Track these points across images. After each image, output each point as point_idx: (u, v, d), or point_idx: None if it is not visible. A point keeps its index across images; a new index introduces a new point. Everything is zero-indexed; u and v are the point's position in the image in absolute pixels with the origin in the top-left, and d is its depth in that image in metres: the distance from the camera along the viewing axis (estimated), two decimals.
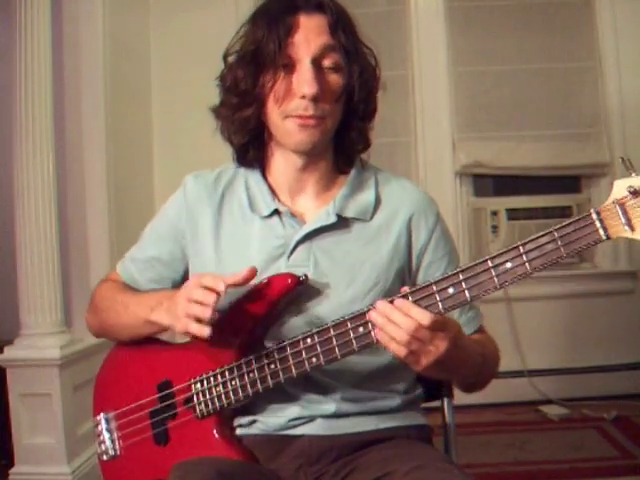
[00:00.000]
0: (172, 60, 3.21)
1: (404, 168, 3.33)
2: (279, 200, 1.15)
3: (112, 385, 1.23)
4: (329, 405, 1.10)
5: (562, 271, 3.24)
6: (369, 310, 0.96)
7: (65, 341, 2.32)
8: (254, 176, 1.17)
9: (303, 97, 1.05)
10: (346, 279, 1.10)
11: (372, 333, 0.97)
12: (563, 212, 3.27)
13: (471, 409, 2.86)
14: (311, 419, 1.10)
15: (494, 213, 3.31)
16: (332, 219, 1.11)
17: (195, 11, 3.20)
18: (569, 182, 3.42)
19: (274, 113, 1.08)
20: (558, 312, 3.30)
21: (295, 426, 1.11)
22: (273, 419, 1.11)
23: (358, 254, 1.11)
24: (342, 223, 1.12)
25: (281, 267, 1.10)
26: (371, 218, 1.14)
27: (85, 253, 2.65)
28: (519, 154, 3.32)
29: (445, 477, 0.96)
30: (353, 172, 1.17)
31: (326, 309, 1.08)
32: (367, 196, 1.15)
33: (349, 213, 1.12)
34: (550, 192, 3.35)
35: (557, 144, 3.33)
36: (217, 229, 1.16)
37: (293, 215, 1.13)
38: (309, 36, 1.05)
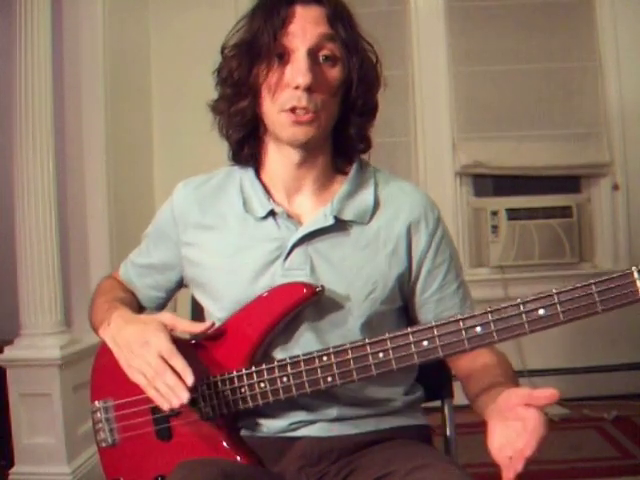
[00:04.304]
0: (172, 60, 3.21)
1: (404, 168, 3.33)
2: (274, 200, 1.11)
3: (112, 372, 1.18)
4: (331, 409, 1.09)
5: (562, 271, 3.24)
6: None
7: (65, 341, 2.33)
8: (248, 176, 1.14)
9: (297, 88, 1.02)
10: (343, 284, 1.07)
11: (392, 358, 0.96)
12: (563, 212, 3.27)
13: (471, 409, 2.86)
14: (312, 422, 1.10)
15: (494, 213, 3.30)
16: (330, 221, 1.08)
17: (195, 11, 3.20)
18: (569, 182, 3.41)
19: (268, 105, 1.06)
20: None
21: (296, 429, 1.10)
22: (275, 422, 1.11)
23: (355, 258, 1.08)
24: (340, 225, 1.09)
25: (277, 271, 1.07)
26: (369, 221, 1.10)
27: (85, 253, 2.64)
28: (519, 154, 3.31)
29: (445, 477, 0.96)
30: (352, 172, 1.13)
31: (323, 314, 1.07)
32: (366, 198, 1.11)
33: (347, 215, 1.09)
34: (550, 192, 3.35)
35: (557, 144, 3.32)
36: (209, 233, 1.14)
37: (289, 216, 1.10)
38: (305, 26, 1.03)
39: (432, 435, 1.22)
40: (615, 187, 3.33)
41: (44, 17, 2.30)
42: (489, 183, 3.42)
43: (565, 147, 3.33)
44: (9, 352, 2.30)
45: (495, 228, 3.30)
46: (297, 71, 1.02)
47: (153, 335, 1.02)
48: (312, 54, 1.03)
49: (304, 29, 1.03)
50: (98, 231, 2.65)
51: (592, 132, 3.35)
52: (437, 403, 1.31)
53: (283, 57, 1.04)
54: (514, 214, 3.28)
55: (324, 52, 1.04)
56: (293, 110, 1.03)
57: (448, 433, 1.30)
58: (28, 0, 2.26)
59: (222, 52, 1.12)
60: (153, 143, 3.30)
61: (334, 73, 1.06)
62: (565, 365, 3.28)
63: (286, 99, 1.03)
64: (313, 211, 1.11)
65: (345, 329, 1.07)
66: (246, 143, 1.13)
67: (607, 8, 3.30)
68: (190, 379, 0.98)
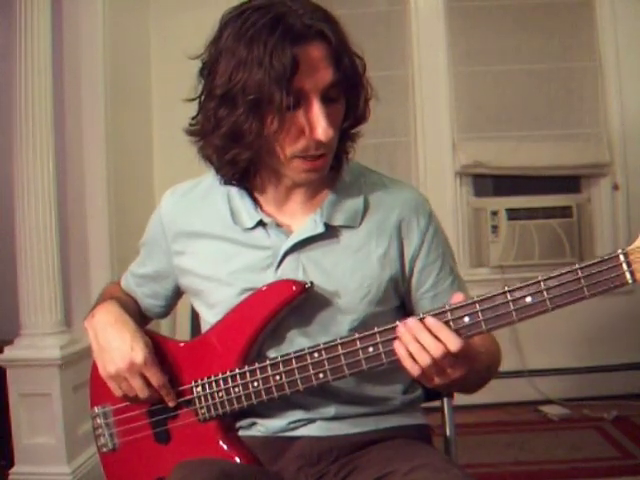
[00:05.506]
0: (172, 60, 3.21)
1: (404, 168, 3.33)
2: (262, 210, 1.10)
3: None
4: (329, 408, 1.10)
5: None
6: (394, 327, 0.94)
7: (65, 341, 2.33)
8: (236, 187, 1.11)
9: (317, 141, 0.98)
10: (337, 289, 1.07)
11: (381, 352, 0.96)
12: (563, 212, 3.27)
13: (471, 409, 2.86)
14: (311, 421, 1.10)
15: (494, 213, 3.30)
16: (320, 229, 1.07)
17: (195, 11, 3.20)
18: (569, 182, 3.41)
19: (278, 152, 1.00)
20: (558, 312, 3.28)
21: (295, 428, 1.10)
22: (273, 422, 1.11)
23: (348, 263, 1.07)
24: (330, 232, 1.07)
25: (269, 279, 1.07)
26: (360, 224, 1.09)
27: (85, 253, 2.64)
28: (519, 154, 3.32)
29: (445, 477, 0.96)
30: (340, 175, 1.11)
31: (318, 320, 1.07)
32: (355, 201, 1.10)
33: (337, 221, 1.08)
34: (550, 192, 3.35)
35: (557, 144, 3.33)
36: (199, 241, 1.13)
37: (278, 225, 1.09)
38: (314, 72, 0.96)
39: (432, 435, 1.22)
40: (615, 187, 3.34)
41: (44, 17, 2.30)
42: (489, 183, 3.42)
43: (565, 147, 3.33)
44: (9, 352, 2.31)
45: (495, 228, 3.30)
46: (317, 126, 0.97)
47: (136, 352, 1.06)
48: (322, 98, 0.98)
49: (313, 75, 0.96)
50: (98, 231, 2.65)
51: (592, 132, 3.35)
52: (437, 403, 1.31)
53: (293, 104, 0.96)
54: (514, 214, 3.28)
55: (332, 93, 0.99)
56: (308, 159, 1.01)
57: (448, 433, 1.29)
58: (28, 0, 2.26)
59: (202, 72, 1.04)
60: (153, 142, 3.30)
61: (339, 110, 1.02)
62: (565, 365, 3.27)
63: (302, 147, 0.99)
64: (303, 218, 1.10)
65: (340, 332, 1.06)
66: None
67: (607, 8, 3.30)
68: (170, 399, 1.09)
